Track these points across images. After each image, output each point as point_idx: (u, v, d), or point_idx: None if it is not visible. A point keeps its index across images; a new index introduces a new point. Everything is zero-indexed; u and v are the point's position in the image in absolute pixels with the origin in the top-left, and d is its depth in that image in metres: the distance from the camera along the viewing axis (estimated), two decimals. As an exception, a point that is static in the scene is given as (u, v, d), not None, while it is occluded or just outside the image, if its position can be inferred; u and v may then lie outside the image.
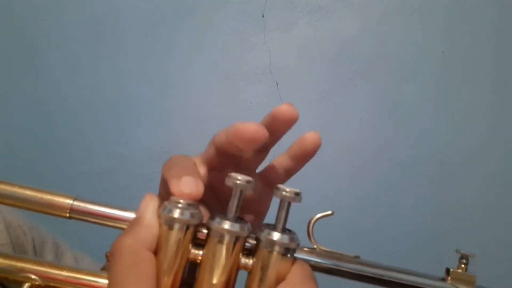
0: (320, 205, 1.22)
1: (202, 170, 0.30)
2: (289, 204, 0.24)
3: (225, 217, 0.24)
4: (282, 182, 0.33)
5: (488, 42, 1.22)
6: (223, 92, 1.27)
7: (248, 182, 0.23)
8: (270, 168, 0.33)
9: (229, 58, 1.26)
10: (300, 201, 0.24)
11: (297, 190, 0.24)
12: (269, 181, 0.33)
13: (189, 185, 0.23)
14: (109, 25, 1.26)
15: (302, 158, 0.32)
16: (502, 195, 1.23)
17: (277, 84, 1.26)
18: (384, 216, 1.24)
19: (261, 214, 0.33)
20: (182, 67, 1.27)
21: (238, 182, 0.23)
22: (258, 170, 0.33)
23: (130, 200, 1.23)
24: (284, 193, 0.24)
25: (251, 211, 0.31)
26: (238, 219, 0.24)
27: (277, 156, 0.33)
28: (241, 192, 0.24)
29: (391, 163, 1.24)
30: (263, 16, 1.25)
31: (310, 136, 0.31)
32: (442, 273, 0.29)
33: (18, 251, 0.40)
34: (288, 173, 0.33)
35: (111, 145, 1.27)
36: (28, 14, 1.26)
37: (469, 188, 1.23)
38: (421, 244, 1.23)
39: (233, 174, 0.24)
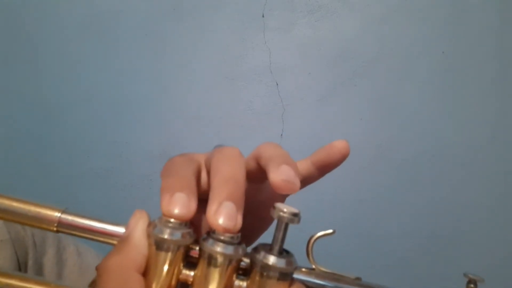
0: (320, 205, 1.22)
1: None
2: (286, 225, 0.23)
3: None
4: (298, 190, 0.31)
5: (488, 42, 1.22)
6: (223, 92, 1.27)
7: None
8: None
9: (229, 58, 1.26)
10: (298, 222, 0.22)
11: (296, 211, 0.22)
12: None
13: (180, 205, 0.22)
14: (109, 25, 1.26)
15: (326, 166, 0.30)
16: (502, 195, 1.23)
17: (277, 84, 1.26)
18: (384, 216, 1.24)
19: (266, 219, 0.31)
20: (182, 67, 1.27)
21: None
22: None
23: (130, 200, 1.23)
24: (281, 213, 0.22)
25: (257, 215, 0.30)
26: (234, 239, 0.22)
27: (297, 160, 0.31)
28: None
29: (391, 163, 1.24)
30: (263, 16, 1.25)
31: (339, 144, 0.29)
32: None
33: (18, 247, 0.39)
34: (306, 180, 0.30)
35: (111, 145, 1.27)
36: (28, 14, 1.26)
37: (469, 188, 1.23)
38: (421, 244, 1.23)
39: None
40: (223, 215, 0.21)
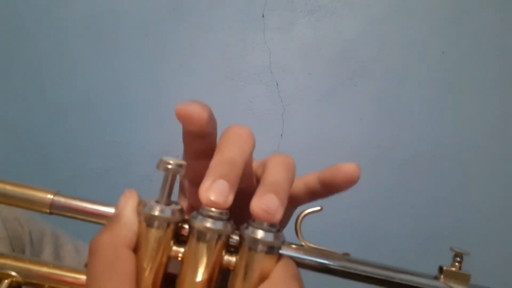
0: (319, 205, 1.21)
1: None
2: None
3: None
4: (304, 202, 0.30)
5: (488, 42, 1.22)
6: (223, 92, 1.27)
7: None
8: (294, 183, 0.29)
9: (229, 58, 1.26)
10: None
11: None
12: (291, 197, 0.29)
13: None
14: (109, 25, 1.26)
15: (330, 186, 0.29)
16: (502, 195, 1.23)
17: (277, 84, 1.26)
18: (383, 216, 1.24)
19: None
20: (182, 67, 1.27)
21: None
22: None
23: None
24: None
25: None
26: (223, 215, 0.22)
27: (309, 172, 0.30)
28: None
29: (391, 163, 1.24)
30: (263, 16, 1.25)
31: (346, 167, 0.27)
32: (436, 272, 0.28)
33: (15, 244, 0.39)
34: (312, 195, 0.30)
35: (111, 145, 1.27)
36: (28, 14, 1.26)
37: (469, 188, 1.23)
38: (421, 244, 1.23)
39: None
40: (215, 191, 0.21)
